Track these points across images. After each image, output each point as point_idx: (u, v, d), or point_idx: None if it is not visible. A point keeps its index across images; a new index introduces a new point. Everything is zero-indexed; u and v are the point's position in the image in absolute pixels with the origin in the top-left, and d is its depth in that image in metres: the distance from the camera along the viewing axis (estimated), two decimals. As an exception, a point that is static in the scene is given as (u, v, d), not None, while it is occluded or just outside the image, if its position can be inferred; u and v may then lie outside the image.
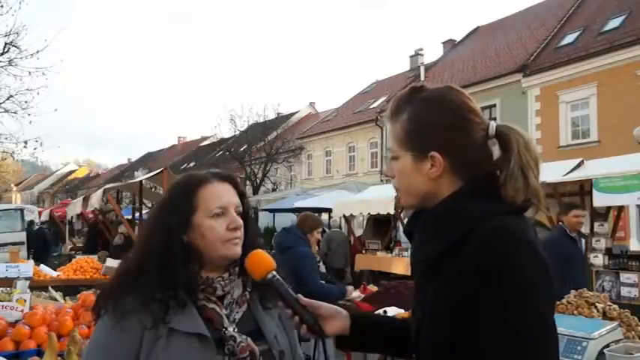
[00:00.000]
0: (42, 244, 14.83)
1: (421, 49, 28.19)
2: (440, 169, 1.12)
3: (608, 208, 8.14)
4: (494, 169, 1.13)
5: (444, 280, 1.07)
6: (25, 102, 14.15)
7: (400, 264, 10.34)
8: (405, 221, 1.43)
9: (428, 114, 1.15)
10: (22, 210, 16.21)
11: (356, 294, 4.64)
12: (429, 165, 1.13)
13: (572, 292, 3.13)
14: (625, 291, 6.74)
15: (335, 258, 11.23)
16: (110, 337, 1.19)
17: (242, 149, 28.74)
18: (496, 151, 1.14)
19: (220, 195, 1.31)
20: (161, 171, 10.45)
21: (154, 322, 1.18)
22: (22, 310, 2.85)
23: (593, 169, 7.71)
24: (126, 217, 12.26)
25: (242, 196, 1.38)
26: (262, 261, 1.28)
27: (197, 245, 1.28)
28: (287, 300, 1.26)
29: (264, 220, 18.54)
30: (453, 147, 1.12)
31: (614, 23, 16.27)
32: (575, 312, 2.88)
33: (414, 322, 1.21)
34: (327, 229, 14.27)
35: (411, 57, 28.64)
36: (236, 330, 1.26)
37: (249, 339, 1.25)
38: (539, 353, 0.99)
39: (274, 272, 1.27)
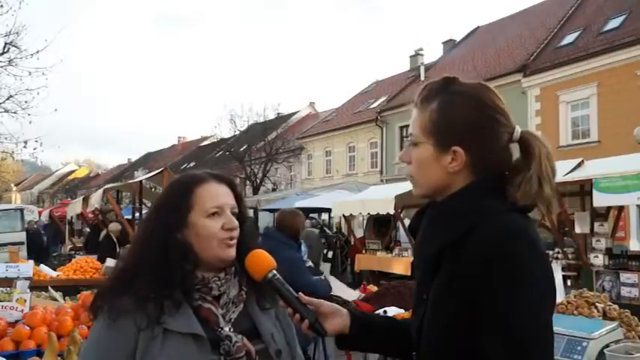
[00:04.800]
0: (39, 244, 14.79)
1: (421, 49, 28.18)
2: (460, 164, 1.13)
3: (609, 208, 8.14)
4: (508, 170, 1.14)
5: (448, 275, 1.08)
6: (25, 102, 14.07)
7: (400, 264, 10.34)
8: (407, 221, 1.43)
9: (458, 109, 1.14)
10: (21, 210, 16.20)
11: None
12: (450, 159, 1.13)
13: (573, 291, 3.12)
14: (625, 291, 6.75)
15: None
16: (106, 337, 1.19)
17: (242, 149, 28.75)
18: (516, 155, 1.14)
19: (217, 195, 1.31)
20: (161, 171, 10.45)
21: (148, 322, 1.17)
22: (22, 310, 2.85)
23: (593, 169, 7.71)
24: (126, 217, 12.24)
25: (239, 199, 1.37)
26: (263, 260, 1.29)
27: (192, 245, 1.27)
28: (288, 299, 1.26)
29: (264, 220, 18.53)
30: (476, 145, 1.12)
31: (614, 23, 16.27)
32: (575, 312, 2.87)
33: (415, 319, 1.21)
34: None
35: (411, 57, 28.62)
36: (232, 330, 1.26)
37: (244, 338, 1.25)
38: (535, 351, 1.00)
39: (275, 271, 1.28)
